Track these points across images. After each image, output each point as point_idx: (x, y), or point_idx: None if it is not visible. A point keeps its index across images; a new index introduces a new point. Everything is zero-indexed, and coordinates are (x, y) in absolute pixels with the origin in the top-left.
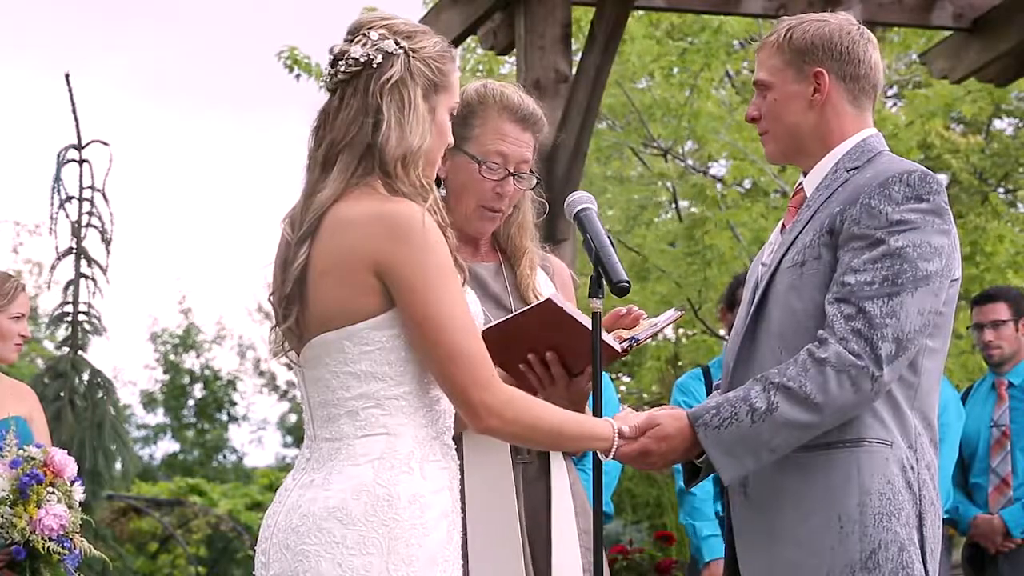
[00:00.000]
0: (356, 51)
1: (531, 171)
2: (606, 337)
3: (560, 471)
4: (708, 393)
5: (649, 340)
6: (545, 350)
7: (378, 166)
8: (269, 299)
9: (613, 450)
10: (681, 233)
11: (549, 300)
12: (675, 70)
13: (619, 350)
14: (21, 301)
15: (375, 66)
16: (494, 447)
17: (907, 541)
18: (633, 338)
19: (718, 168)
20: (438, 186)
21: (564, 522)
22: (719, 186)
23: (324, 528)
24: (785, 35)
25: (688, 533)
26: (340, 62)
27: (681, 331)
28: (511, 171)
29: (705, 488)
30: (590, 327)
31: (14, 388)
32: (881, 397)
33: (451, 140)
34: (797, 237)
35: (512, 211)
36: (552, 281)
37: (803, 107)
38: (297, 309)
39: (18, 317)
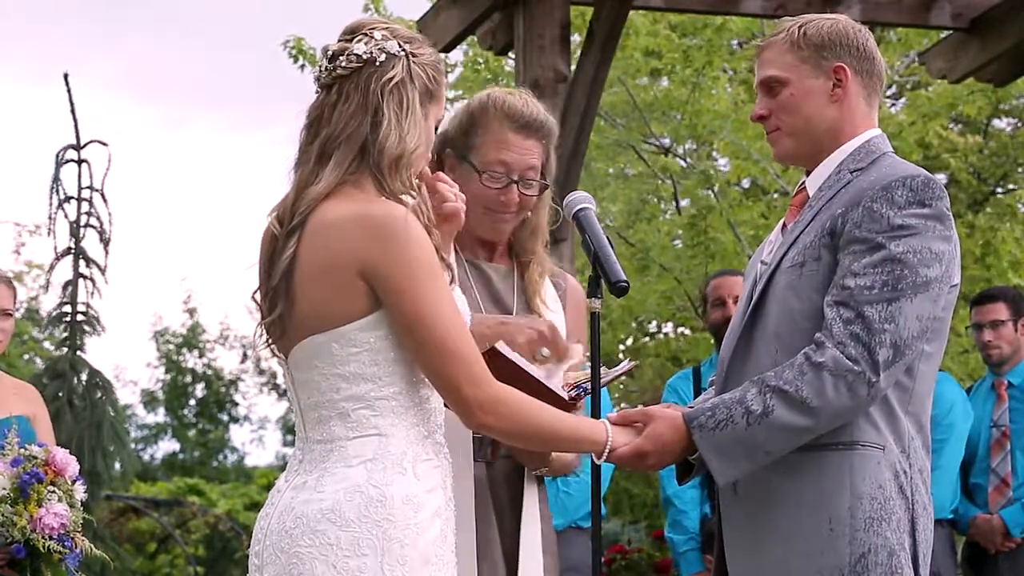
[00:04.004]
0: (359, 48)
1: (543, 176)
2: (554, 386)
3: (532, 497)
4: (696, 394)
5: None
6: None
7: (373, 164)
8: (253, 296)
9: (605, 453)
10: (684, 224)
11: (495, 348)
12: (677, 67)
13: (566, 399)
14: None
15: (377, 64)
16: (455, 444)
17: (897, 546)
18: (581, 387)
19: (719, 167)
20: None
21: (532, 545)
22: (716, 187)
23: (318, 530)
24: (799, 32)
25: (669, 545)
26: (341, 57)
27: (680, 329)
28: (515, 179)
29: (685, 497)
30: (539, 376)
31: (18, 388)
32: (877, 402)
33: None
34: (798, 237)
35: (528, 215)
36: (562, 300)
37: (823, 102)
38: (283, 303)
39: None
